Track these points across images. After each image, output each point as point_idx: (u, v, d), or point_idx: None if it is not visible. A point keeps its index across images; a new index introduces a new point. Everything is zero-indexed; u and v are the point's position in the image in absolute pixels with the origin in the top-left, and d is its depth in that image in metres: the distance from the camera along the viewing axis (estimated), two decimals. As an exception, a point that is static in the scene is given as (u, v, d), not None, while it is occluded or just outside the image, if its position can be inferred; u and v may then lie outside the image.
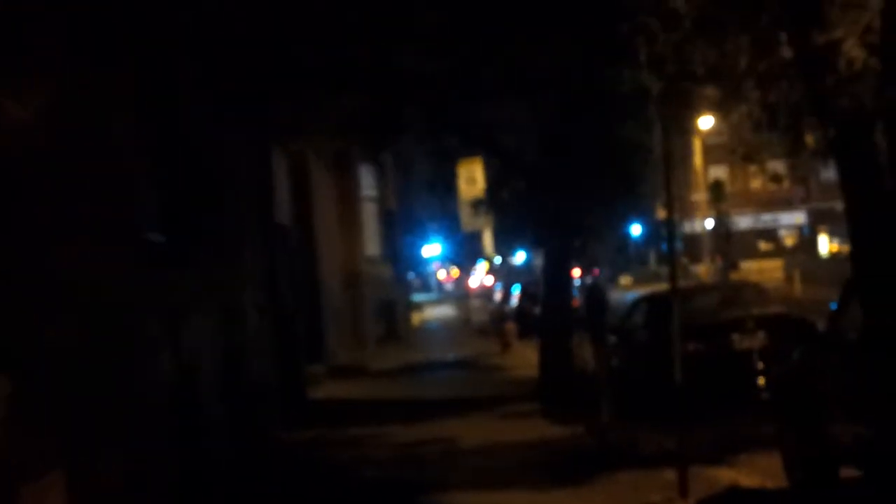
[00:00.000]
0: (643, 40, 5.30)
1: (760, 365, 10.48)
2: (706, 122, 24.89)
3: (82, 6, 5.77)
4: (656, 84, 5.48)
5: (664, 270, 57.00)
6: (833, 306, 6.84)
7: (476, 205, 19.13)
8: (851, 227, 5.79)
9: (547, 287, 13.05)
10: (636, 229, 44.27)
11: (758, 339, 10.72)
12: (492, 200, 18.83)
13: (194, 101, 8.39)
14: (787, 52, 4.90)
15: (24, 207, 4.81)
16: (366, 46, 11.41)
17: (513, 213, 17.69)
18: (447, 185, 22.44)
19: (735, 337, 10.76)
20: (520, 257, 65.91)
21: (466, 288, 40.02)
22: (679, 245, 51.18)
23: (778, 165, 8.88)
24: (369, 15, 10.92)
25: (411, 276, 44.95)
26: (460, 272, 56.28)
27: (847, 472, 6.47)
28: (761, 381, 10.35)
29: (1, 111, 4.61)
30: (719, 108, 6.98)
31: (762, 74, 5.25)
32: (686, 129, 10.96)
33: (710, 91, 6.15)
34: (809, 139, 5.54)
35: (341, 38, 11.06)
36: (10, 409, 4.33)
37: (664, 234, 50.79)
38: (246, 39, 10.11)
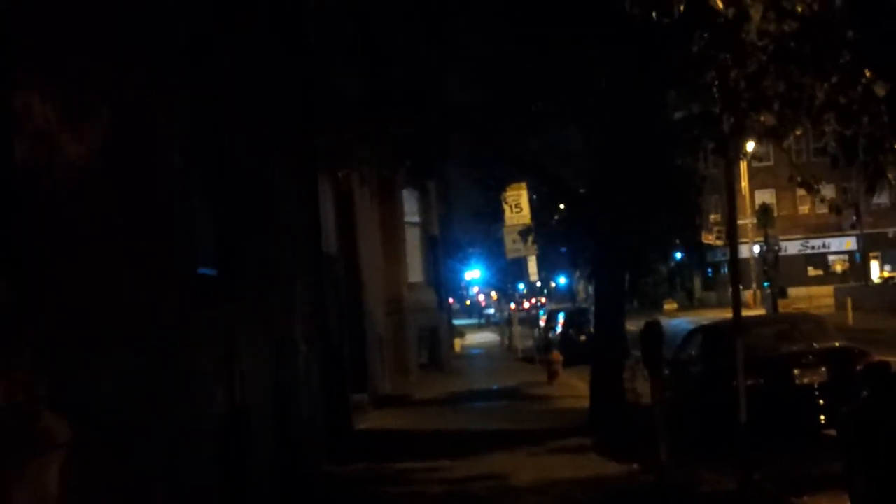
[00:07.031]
0: (716, 73, 5.15)
1: (822, 401, 10.16)
2: (751, 144, 24.55)
3: (139, 40, 5.73)
4: (727, 116, 5.30)
5: (708, 296, 56.33)
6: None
7: (523, 232, 19.01)
8: None
9: (598, 317, 12.81)
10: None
11: (819, 374, 10.40)
12: (538, 227, 18.71)
13: (242, 132, 8.33)
14: (880, 89, 4.70)
15: (78, 241, 4.72)
16: (415, 76, 11.36)
17: (559, 240, 17.53)
18: (493, 212, 22.36)
19: (795, 371, 10.44)
20: (561, 282, 65.35)
21: (509, 310, 39.75)
22: (723, 271, 50.52)
23: (828, 191, 8.61)
24: (418, 45, 10.87)
25: (452, 301, 44.80)
26: (499, 296, 56.07)
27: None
28: (823, 418, 10.04)
29: (57, 145, 4.53)
30: (778, 137, 6.78)
31: (843, 108, 5.06)
32: (740, 155, 10.73)
33: (769, 119, 5.96)
34: (891, 174, 5.34)
35: (390, 67, 11.03)
36: (68, 456, 4.21)
37: (709, 259, 49.96)
38: (293, 70, 10.10)
